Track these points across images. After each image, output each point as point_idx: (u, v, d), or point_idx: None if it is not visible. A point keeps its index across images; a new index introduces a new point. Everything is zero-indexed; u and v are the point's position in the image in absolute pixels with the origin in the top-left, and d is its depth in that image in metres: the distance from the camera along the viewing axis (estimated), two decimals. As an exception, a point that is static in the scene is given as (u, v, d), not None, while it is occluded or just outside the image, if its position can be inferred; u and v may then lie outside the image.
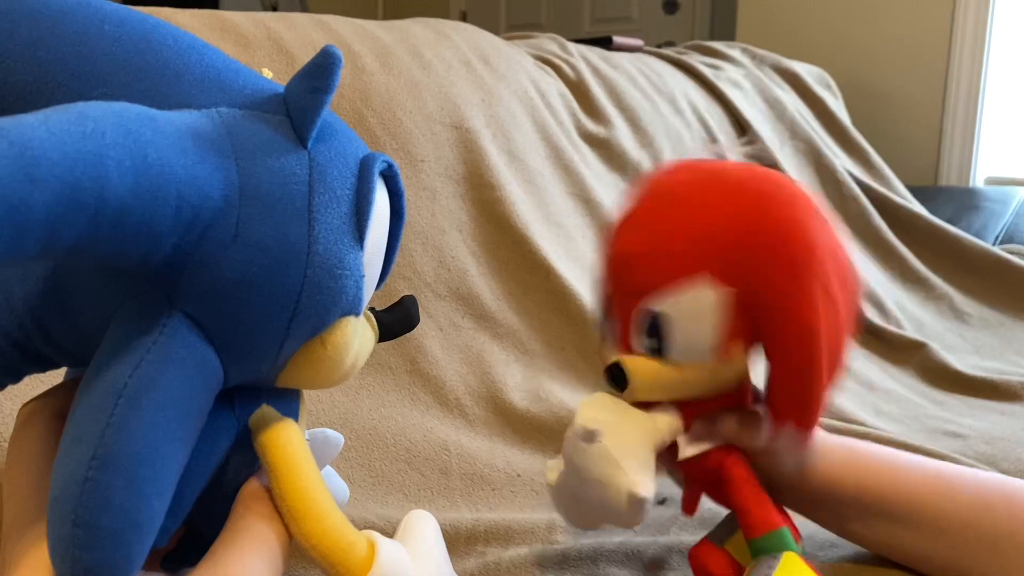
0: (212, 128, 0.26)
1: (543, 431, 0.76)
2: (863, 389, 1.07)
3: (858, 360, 1.15)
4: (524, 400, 0.79)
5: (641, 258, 0.47)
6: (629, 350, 0.48)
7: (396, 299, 0.36)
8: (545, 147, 1.05)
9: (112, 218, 0.22)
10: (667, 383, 0.47)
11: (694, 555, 0.57)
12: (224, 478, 0.30)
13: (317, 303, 0.27)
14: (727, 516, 0.59)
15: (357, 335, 0.30)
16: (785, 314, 0.45)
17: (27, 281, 0.30)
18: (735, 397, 0.52)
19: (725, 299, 0.45)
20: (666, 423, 0.49)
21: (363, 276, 0.29)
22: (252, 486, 0.30)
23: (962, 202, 1.72)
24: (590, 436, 0.44)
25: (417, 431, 0.71)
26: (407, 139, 0.87)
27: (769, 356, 0.48)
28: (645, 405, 0.50)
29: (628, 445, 0.45)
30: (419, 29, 1.01)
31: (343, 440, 0.40)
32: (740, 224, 0.45)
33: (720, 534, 0.57)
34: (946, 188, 1.90)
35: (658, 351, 0.47)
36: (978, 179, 2.01)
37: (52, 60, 0.25)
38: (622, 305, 0.48)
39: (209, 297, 0.26)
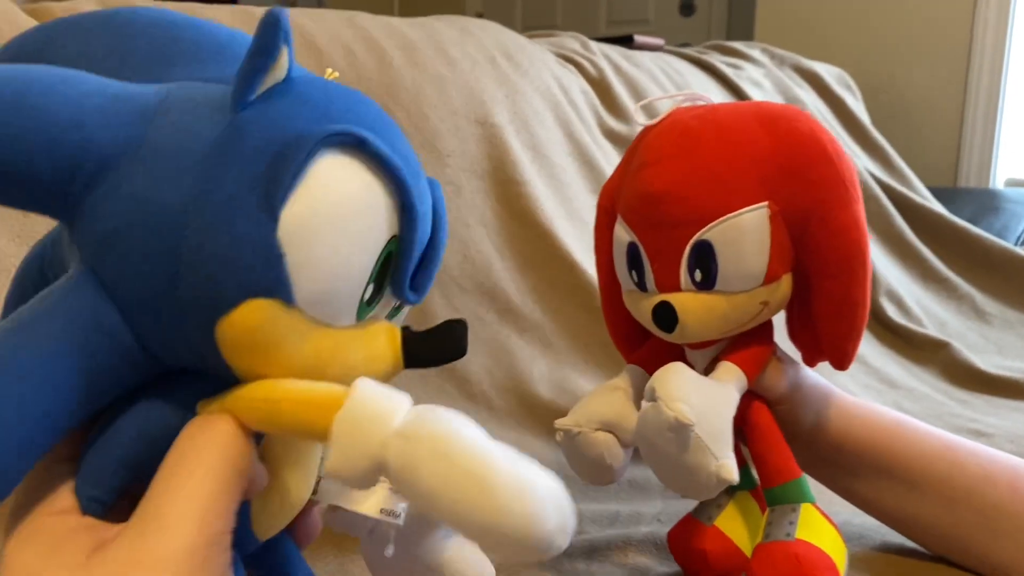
0: (151, 94, 0.26)
1: (556, 435, 0.76)
2: (885, 387, 1.07)
3: (880, 358, 1.15)
4: (550, 392, 0.79)
5: (684, 189, 0.46)
6: (670, 291, 0.48)
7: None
8: (568, 143, 1.05)
9: None
10: (718, 317, 0.47)
11: (678, 535, 0.57)
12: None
13: (203, 270, 0.25)
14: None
15: (291, 328, 0.26)
16: (837, 233, 0.46)
17: (53, 245, 0.31)
18: (769, 336, 0.52)
19: (775, 219, 0.46)
20: (739, 387, 0.48)
21: (279, 255, 0.25)
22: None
23: (982, 204, 1.71)
24: (684, 429, 0.43)
25: (444, 422, 0.72)
26: (433, 134, 0.88)
27: (815, 280, 0.48)
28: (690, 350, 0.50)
29: (716, 428, 0.44)
30: (443, 26, 1.02)
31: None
32: (786, 148, 0.46)
33: (708, 512, 0.57)
34: (966, 189, 1.89)
35: (706, 284, 0.46)
36: (998, 181, 2.00)
37: (92, 25, 0.28)
38: (661, 242, 0.47)
39: (95, 250, 0.26)
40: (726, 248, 0.46)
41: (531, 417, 0.77)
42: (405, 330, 0.29)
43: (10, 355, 0.24)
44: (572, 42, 1.28)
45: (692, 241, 0.46)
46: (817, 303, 0.49)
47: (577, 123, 1.08)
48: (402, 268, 0.29)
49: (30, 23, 0.64)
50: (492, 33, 1.07)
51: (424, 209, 0.29)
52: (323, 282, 0.27)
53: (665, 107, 0.53)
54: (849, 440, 0.56)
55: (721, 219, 0.45)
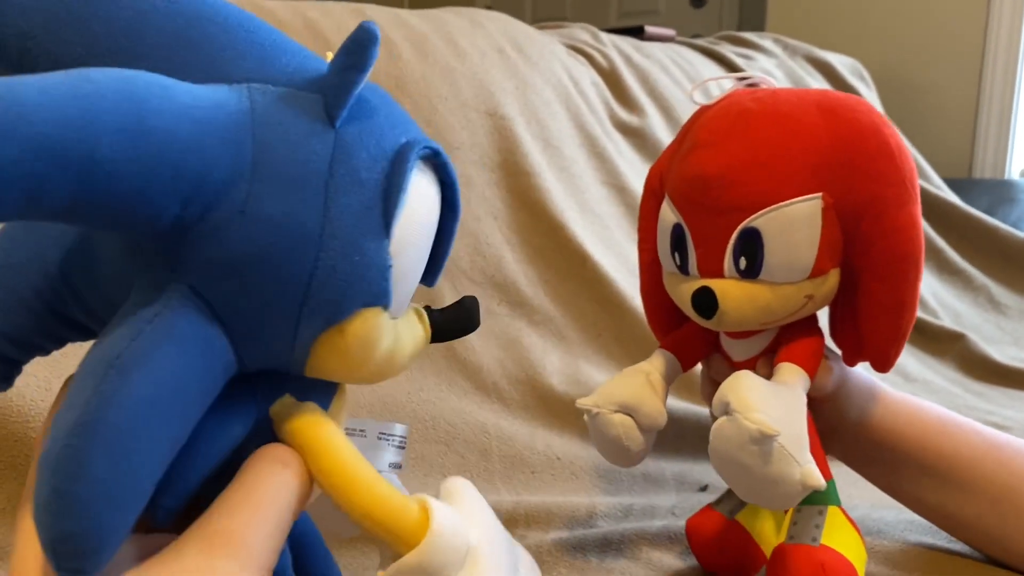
0: (234, 102, 0.25)
1: (582, 415, 0.76)
2: (900, 380, 1.06)
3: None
4: (563, 384, 0.78)
5: (736, 174, 0.45)
6: (712, 277, 0.47)
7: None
8: (579, 135, 1.04)
9: (102, 181, 0.21)
10: (759, 307, 0.46)
11: (697, 526, 0.56)
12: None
13: (331, 288, 0.26)
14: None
15: (387, 330, 0.28)
16: (892, 232, 0.45)
17: (62, 246, 0.30)
18: (819, 331, 0.50)
19: (828, 212, 0.45)
20: (805, 387, 0.47)
21: (389, 267, 0.27)
22: (273, 444, 0.28)
23: (998, 195, 1.69)
24: (768, 440, 0.41)
25: (456, 414, 0.71)
26: (442, 126, 0.87)
27: (863, 280, 0.47)
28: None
29: (796, 434, 0.42)
30: (452, 17, 1.01)
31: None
32: (846, 139, 0.45)
33: (728, 506, 0.56)
34: (981, 180, 1.87)
35: (750, 272, 0.45)
36: (1013, 171, 1.98)
37: (103, 34, 0.25)
38: (708, 227, 0.46)
39: (216, 273, 0.25)
40: (774, 237, 0.44)
41: (544, 409, 0.77)
42: (427, 310, 0.33)
43: (126, 408, 0.23)
44: (582, 33, 1.27)
45: (740, 228, 0.45)
46: (863, 303, 0.47)
47: (588, 115, 1.07)
48: (439, 260, 0.32)
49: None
50: (502, 24, 1.06)
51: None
52: (409, 285, 0.29)
53: (724, 89, 0.52)
54: (894, 436, 0.55)
55: (772, 207, 0.44)
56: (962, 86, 1.98)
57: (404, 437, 0.43)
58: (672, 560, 0.58)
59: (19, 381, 0.53)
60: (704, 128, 0.48)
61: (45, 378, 0.54)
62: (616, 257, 0.95)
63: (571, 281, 0.89)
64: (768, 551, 0.55)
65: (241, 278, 0.25)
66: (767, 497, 0.43)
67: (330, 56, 0.29)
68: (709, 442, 0.43)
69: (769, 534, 0.55)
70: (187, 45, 0.26)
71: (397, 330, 0.29)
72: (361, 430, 0.43)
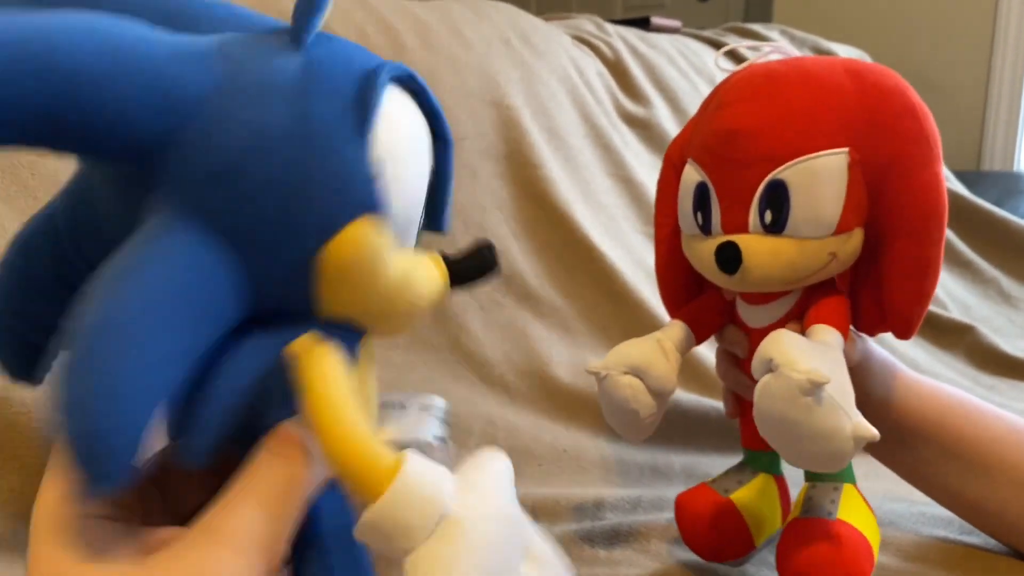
0: (203, 40, 0.26)
1: (589, 407, 0.75)
2: (911, 372, 1.05)
3: (904, 343, 1.13)
4: (569, 376, 0.78)
5: (766, 127, 0.45)
6: (736, 233, 0.46)
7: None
8: (585, 126, 1.03)
9: (71, 87, 0.22)
10: (784, 263, 0.45)
11: (687, 500, 0.55)
12: (265, 416, 0.28)
13: (317, 193, 0.26)
14: (733, 468, 0.57)
15: (390, 245, 0.28)
16: (917, 190, 0.45)
17: (69, 213, 0.30)
18: (844, 293, 0.50)
19: (854, 167, 0.45)
20: (840, 346, 0.46)
21: (372, 175, 0.27)
22: (281, 427, 0.28)
23: (1007, 187, 1.68)
24: (818, 389, 0.39)
25: (462, 406, 0.70)
26: (448, 116, 0.86)
27: (888, 239, 0.46)
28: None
29: (843, 386, 0.41)
30: (458, 7, 1.00)
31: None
32: (872, 97, 0.45)
33: (725, 484, 0.55)
34: (990, 173, 1.86)
35: (776, 226, 0.45)
36: (1022, 164, 1.96)
37: (85, 4, 0.26)
38: (734, 180, 0.46)
39: (202, 186, 0.25)
40: (801, 190, 0.44)
41: (550, 402, 0.76)
42: (443, 255, 0.32)
43: (122, 309, 0.23)
44: (588, 24, 1.26)
45: (767, 180, 0.44)
46: (888, 263, 0.47)
47: (594, 105, 1.06)
48: (440, 196, 0.31)
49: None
50: (507, 15, 1.05)
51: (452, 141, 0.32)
52: (404, 202, 0.28)
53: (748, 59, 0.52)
54: (916, 417, 0.54)
55: (799, 159, 0.44)
56: (971, 78, 1.97)
57: (446, 411, 0.43)
58: (682, 553, 0.57)
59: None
60: (732, 88, 0.48)
61: (54, 370, 0.54)
62: (623, 248, 0.94)
63: (577, 272, 0.89)
64: (759, 538, 0.54)
65: (227, 188, 0.25)
66: (818, 455, 0.41)
67: None
68: (755, 404, 0.42)
69: (763, 520, 0.54)
70: (164, 20, 0.27)
71: (408, 263, 0.29)
72: (401, 403, 0.42)
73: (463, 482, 0.28)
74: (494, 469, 0.29)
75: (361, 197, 0.27)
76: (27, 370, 0.33)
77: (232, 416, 0.27)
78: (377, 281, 0.28)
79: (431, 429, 0.41)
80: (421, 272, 0.30)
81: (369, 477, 0.25)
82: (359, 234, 0.27)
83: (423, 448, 0.42)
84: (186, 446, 0.26)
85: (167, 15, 0.27)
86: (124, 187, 0.27)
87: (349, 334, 0.30)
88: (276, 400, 0.28)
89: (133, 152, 0.25)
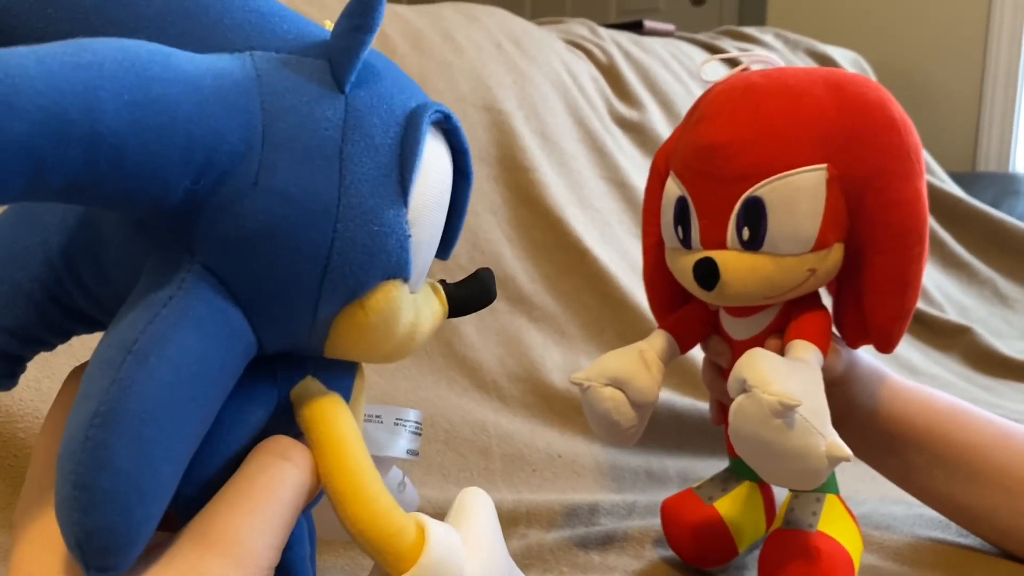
0: (239, 70, 0.24)
1: (583, 412, 0.74)
2: (907, 374, 1.04)
3: (901, 345, 1.12)
4: (563, 381, 0.77)
5: (743, 143, 0.45)
6: (715, 249, 0.46)
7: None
8: (578, 130, 1.03)
9: (108, 154, 0.20)
10: (761, 279, 0.45)
11: (672, 506, 0.55)
12: None
13: (351, 261, 0.25)
14: (719, 474, 0.57)
15: (408, 303, 0.28)
16: (896, 205, 0.45)
17: (64, 232, 0.29)
18: (824, 308, 0.50)
19: (832, 184, 0.44)
20: (819, 363, 0.46)
21: (408, 236, 0.26)
22: (278, 436, 0.27)
23: (1002, 188, 1.68)
24: (789, 412, 0.39)
25: (455, 412, 0.70)
26: (440, 121, 0.86)
27: (867, 254, 0.46)
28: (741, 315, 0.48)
29: (816, 407, 0.41)
30: (449, 12, 1.00)
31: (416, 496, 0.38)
32: (852, 112, 0.45)
33: (709, 491, 0.55)
34: (985, 174, 1.86)
35: (753, 243, 0.45)
36: (1018, 164, 1.96)
37: (92, 7, 0.24)
38: (711, 196, 0.46)
39: (230, 250, 0.24)
40: (778, 207, 0.44)
41: (544, 407, 0.76)
42: (443, 284, 0.32)
43: (147, 394, 0.22)
44: (580, 28, 1.26)
45: (744, 197, 0.44)
46: (867, 279, 0.47)
47: (587, 109, 1.06)
48: (453, 230, 0.31)
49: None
50: (499, 19, 1.05)
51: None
52: (427, 256, 0.28)
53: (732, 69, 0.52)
54: (904, 424, 0.54)
55: (776, 176, 0.44)
56: (965, 79, 1.97)
57: (419, 423, 0.43)
58: (676, 558, 0.57)
59: (27, 394, 0.52)
60: (712, 102, 0.48)
61: (35, 377, 0.53)
62: (617, 252, 0.94)
63: (571, 277, 0.88)
64: (742, 545, 0.54)
65: (257, 254, 0.24)
66: (793, 475, 0.41)
67: (329, 25, 0.29)
68: (729, 423, 0.42)
69: (745, 527, 0.54)
70: (182, 15, 0.25)
71: (417, 304, 0.29)
72: (378, 416, 0.42)
73: (463, 534, 0.29)
74: (481, 518, 0.30)
75: (392, 261, 0.26)
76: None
77: (233, 467, 0.26)
78: (391, 336, 0.28)
79: (403, 444, 0.42)
80: (426, 312, 0.30)
81: (396, 553, 0.26)
82: (382, 299, 0.26)
83: (397, 463, 0.44)
84: (179, 496, 0.25)
85: (182, 12, 0.25)
86: (136, 227, 0.26)
87: (346, 367, 0.30)
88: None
89: (158, 211, 0.23)
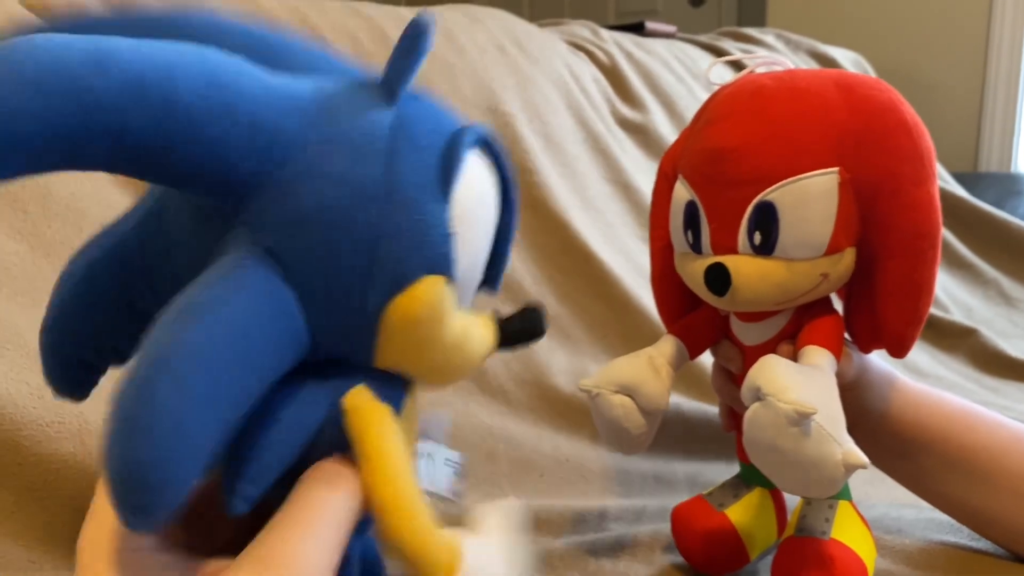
0: (299, 84, 0.27)
1: (590, 416, 0.74)
2: (913, 376, 1.03)
3: (907, 346, 1.12)
4: (570, 385, 0.77)
5: (753, 147, 0.44)
6: (726, 254, 0.45)
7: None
8: (581, 132, 1.03)
9: (182, 121, 0.23)
10: (773, 284, 0.44)
11: (683, 513, 0.55)
12: (312, 463, 0.29)
13: (396, 248, 0.27)
14: (730, 481, 0.56)
15: (452, 305, 0.29)
16: (909, 209, 0.44)
17: (139, 237, 0.31)
18: (837, 312, 0.49)
19: (844, 187, 0.44)
20: (832, 369, 0.45)
21: (450, 234, 0.28)
22: (326, 460, 0.28)
23: (1005, 188, 1.67)
24: (805, 420, 0.38)
25: (462, 417, 0.69)
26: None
27: (880, 259, 0.46)
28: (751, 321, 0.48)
29: (832, 414, 0.40)
30: (451, 13, 1.00)
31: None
32: (864, 115, 0.44)
33: (720, 498, 0.55)
34: (987, 174, 1.85)
35: (765, 248, 0.44)
36: (1019, 164, 1.96)
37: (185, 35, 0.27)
38: (722, 201, 0.45)
39: (287, 230, 0.26)
40: (790, 212, 0.43)
41: (550, 410, 0.75)
42: (495, 315, 0.33)
43: (188, 345, 0.23)
44: (582, 30, 1.26)
45: (755, 202, 0.43)
46: (880, 284, 0.46)
47: (590, 111, 1.06)
48: (500, 258, 0.32)
49: (24, 14, 0.62)
50: (501, 21, 1.05)
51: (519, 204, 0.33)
52: (470, 265, 0.29)
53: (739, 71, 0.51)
54: (916, 428, 0.53)
55: (788, 180, 0.43)
56: (966, 79, 1.97)
57: (462, 464, 0.45)
58: (688, 565, 0.56)
59: (11, 388, 0.52)
60: (720, 104, 0.47)
61: (38, 386, 0.53)
62: (622, 255, 0.93)
63: (576, 280, 0.88)
64: (753, 552, 0.54)
65: (311, 236, 0.26)
66: (809, 483, 0.40)
67: None
68: (743, 432, 0.41)
69: (757, 534, 0.54)
70: (253, 53, 0.28)
71: (466, 322, 0.30)
72: (429, 453, 0.45)
73: (495, 549, 0.31)
74: (508, 531, 0.32)
75: (436, 255, 0.27)
76: (73, 387, 0.33)
77: (284, 468, 0.27)
78: (437, 338, 0.29)
79: (449, 484, 0.44)
80: (477, 332, 0.31)
81: (432, 565, 0.28)
82: (428, 291, 0.27)
83: (441, 499, 0.46)
84: (236, 493, 0.26)
85: (257, 52, 0.28)
86: (203, 219, 0.28)
87: (398, 383, 0.31)
88: (325, 451, 0.29)
89: (224, 189, 0.25)
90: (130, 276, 0.31)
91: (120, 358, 0.33)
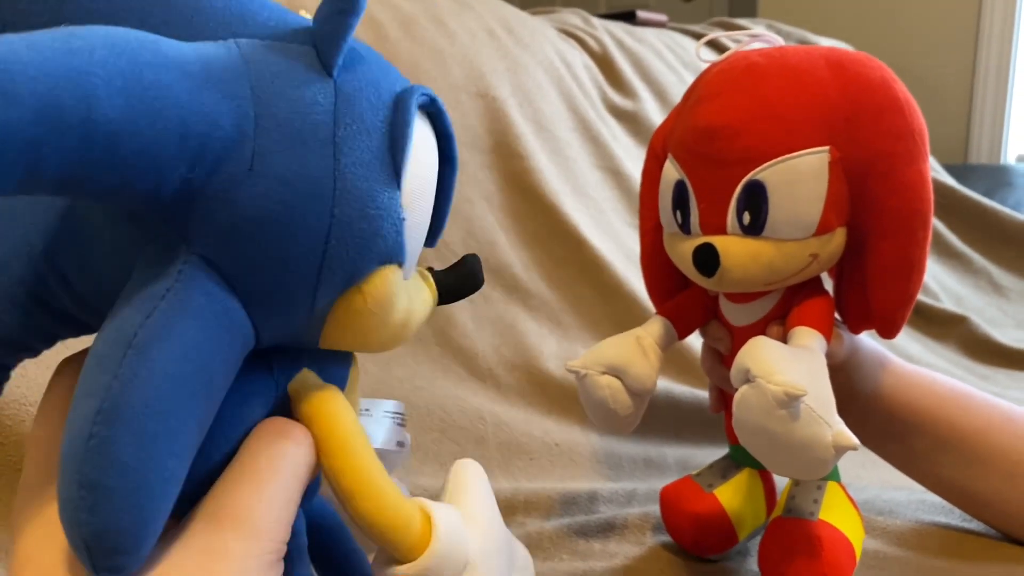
0: (226, 56, 0.24)
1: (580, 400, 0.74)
2: (904, 363, 1.04)
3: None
4: (559, 369, 0.76)
5: (744, 125, 0.43)
6: (715, 234, 0.45)
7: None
8: (572, 118, 1.02)
9: (104, 142, 0.20)
10: (763, 265, 0.44)
11: (671, 494, 0.55)
12: None
13: (349, 246, 0.24)
14: (719, 462, 0.56)
15: (403, 289, 0.27)
16: (901, 189, 0.44)
17: (47, 229, 0.28)
18: (827, 293, 0.49)
19: (835, 167, 0.43)
20: (822, 350, 0.45)
21: (402, 219, 0.26)
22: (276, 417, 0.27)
23: (995, 179, 1.68)
24: (794, 402, 0.38)
25: (451, 401, 0.69)
26: (433, 107, 0.85)
27: (871, 239, 0.45)
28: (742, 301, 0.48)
29: (822, 395, 0.40)
30: (441, -1, 0.99)
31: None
32: (854, 93, 0.43)
33: (709, 479, 0.55)
34: (977, 166, 1.86)
35: (754, 228, 0.43)
36: (1009, 156, 1.97)
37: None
38: (711, 180, 0.44)
39: (227, 238, 0.23)
40: (780, 191, 0.42)
41: (541, 395, 0.75)
42: (431, 271, 0.31)
43: (150, 390, 0.21)
44: (573, 18, 1.25)
45: (744, 181, 0.43)
46: (871, 264, 0.46)
47: (581, 98, 1.05)
48: (440, 217, 0.30)
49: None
50: (491, 6, 1.04)
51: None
52: (418, 241, 0.28)
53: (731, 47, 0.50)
54: (907, 408, 0.53)
55: (777, 159, 0.42)
56: (956, 71, 1.97)
57: (402, 414, 0.43)
58: (678, 546, 0.56)
59: (13, 382, 0.51)
60: (710, 82, 0.46)
61: (21, 365, 0.52)
62: (612, 241, 0.93)
63: (567, 265, 0.87)
64: (742, 532, 0.54)
65: (255, 242, 0.23)
66: (799, 465, 0.40)
67: (304, 13, 0.28)
68: (733, 414, 0.41)
69: (746, 515, 0.54)
70: (161, 3, 0.24)
71: (410, 292, 0.28)
72: (366, 409, 0.42)
73: (463, 511, 0.29)
74: (477, 492, 0.31)
75: (388, 245, 0.26)
76: None
77: (227, 462, 0.26)
78: (387, 322, 0.27)
79: (394, 436, 0.42)
80: (419, 300, 0.29)
81: (407, 543, 0.27)
82: (381, 284, 0.26)
83: (390, 455, 0.44)
84: (187, 495, 0.24)
85: (162, 2, 0.25)
86: (133, 227, 0.25)
87: (341, 358, 0.30)
88: None
89: (152, 203, 0.22)
90: (40, 277, 0.28)
91: (32, 354, 0.30)
